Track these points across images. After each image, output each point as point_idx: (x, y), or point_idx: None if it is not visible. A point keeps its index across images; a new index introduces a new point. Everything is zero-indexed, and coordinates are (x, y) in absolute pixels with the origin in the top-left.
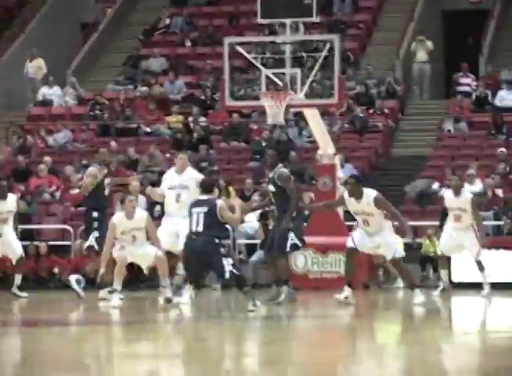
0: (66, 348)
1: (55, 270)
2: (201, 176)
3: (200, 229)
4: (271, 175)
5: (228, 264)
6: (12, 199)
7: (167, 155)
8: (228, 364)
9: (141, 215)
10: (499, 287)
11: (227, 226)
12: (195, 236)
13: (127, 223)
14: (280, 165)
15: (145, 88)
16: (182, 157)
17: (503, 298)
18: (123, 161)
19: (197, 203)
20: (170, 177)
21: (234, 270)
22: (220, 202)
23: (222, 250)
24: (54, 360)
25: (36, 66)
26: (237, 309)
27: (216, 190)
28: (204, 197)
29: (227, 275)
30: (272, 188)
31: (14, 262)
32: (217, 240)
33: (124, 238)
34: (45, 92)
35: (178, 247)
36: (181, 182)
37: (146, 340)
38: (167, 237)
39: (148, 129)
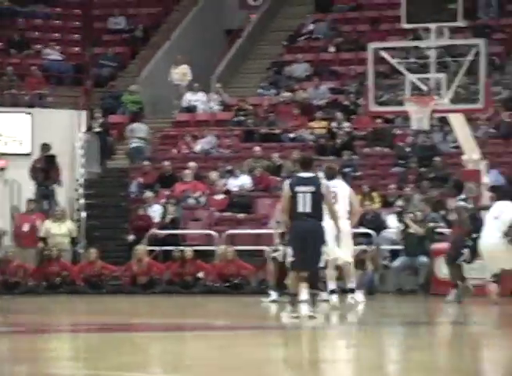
0: (215, 353)
1: (200, 275)
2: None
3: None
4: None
5: None
6: None
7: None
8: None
9: None
10: None
11: None
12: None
13: None
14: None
15: (288, 94)
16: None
17: None
18: (267, 167)
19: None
20: None
21: None
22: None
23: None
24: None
25: (181, 73)
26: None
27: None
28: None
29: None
30: None
31: None
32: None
33: None
34: (189, 98)
35: None
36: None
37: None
38: None
39: (291, 135)
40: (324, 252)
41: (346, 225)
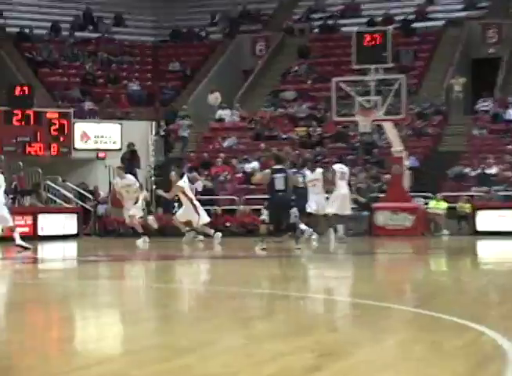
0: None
1: (227, 224)
2: None
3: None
4: None
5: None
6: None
7: (296, 152)
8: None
9: None
10: None
11: None
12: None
13: None
14: None
15: (282, 110)
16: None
17: None
18: (268, 156)
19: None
20: None
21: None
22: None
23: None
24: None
25: (214, 97)
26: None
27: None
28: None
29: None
30: None
31: None
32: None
33: None
34: (220, 113)
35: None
36: None
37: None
38: None
39: (284, 136)
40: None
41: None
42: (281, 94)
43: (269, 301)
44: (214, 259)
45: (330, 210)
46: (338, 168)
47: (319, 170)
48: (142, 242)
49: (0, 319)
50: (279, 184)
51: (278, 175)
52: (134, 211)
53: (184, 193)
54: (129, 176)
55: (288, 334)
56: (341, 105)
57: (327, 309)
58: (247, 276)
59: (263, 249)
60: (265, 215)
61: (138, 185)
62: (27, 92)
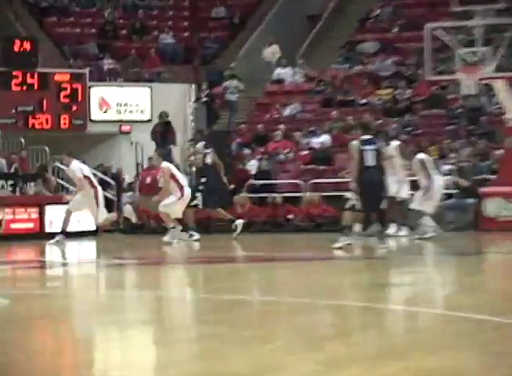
0: (300, 279)
1: (290, 216)
2: None
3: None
4: None
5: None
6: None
7: (379, 121)
8: None
9: None
10: None
11: None
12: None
13: None
14: None
15: (359, 67)
16: None
17: None
18: (342, 127)
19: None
20: None
21: None
22: None
23: None
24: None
25: (271, 52)
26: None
27: None
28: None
29: None
30: None
31: None
32: None
33: None
34: (278, 72)
35: None
36: None
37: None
38: None
39: (362, 101)
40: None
41: None
42: (358, 46)
43: (347, 315)
44: (273, 262)
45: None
46: None
47: (395, 143)
48: (175, 238)
49: (3, 340)
50: (370, 159)
51: (367, 147)
52: (169, 201)
53: (172, 176)
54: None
55: (372, 357)
56: (438, 60)
57: (424, 325)
58: (317, 283)
59: (339, 248)
60: (353, 200)
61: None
62: (29, 47)
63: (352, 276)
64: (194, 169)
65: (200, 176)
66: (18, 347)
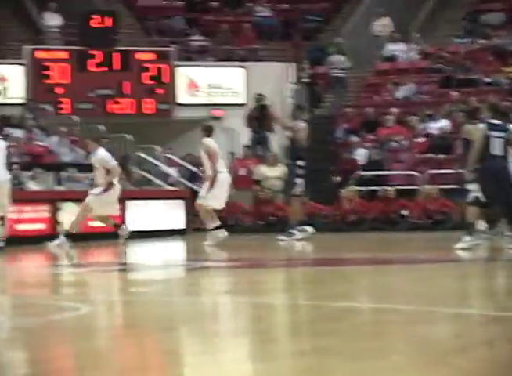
0: (416, 285)
1: (404, 212)
2: None
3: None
4: None
5: None
6: None
7: (506, 103)
8: None
9: None
10: None
11: None
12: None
13: None
14: None
15: (484, 41)
16: None
17: None
18: (463, 110)
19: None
20: None
21: None
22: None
23: None
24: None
25: (382, 25)
26: None
27: None
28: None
29: None
30: None
31: None
32: None
33: None
34: (390, 48)
35: None
36: None
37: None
38: None
39: (487, 79)
40: None
41: None
42: (482, 17)
43: (474, 326)
44: (385, 264)
45: None
46: None
47: None
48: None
49: (83, 353)
50: (497, 146)
51: (495, 133)
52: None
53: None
54: None
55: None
56: None
57: None
58: (438, 289)
59: (464, 249)
60: (476, 192)
61: None
62: (108, 23)
63: (480, 280)
64: (290, 144)
65: (297, 158)
66: (97, 360)
